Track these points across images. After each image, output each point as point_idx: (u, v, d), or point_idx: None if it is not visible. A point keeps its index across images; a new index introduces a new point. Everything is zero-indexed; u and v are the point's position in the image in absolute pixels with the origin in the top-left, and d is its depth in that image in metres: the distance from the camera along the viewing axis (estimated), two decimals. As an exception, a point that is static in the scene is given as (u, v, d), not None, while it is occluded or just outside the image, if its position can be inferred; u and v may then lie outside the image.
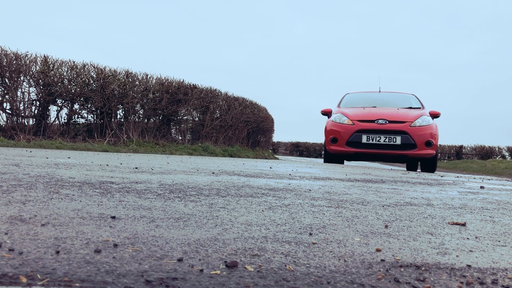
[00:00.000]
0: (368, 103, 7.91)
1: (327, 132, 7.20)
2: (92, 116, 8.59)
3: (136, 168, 2.93)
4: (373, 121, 6.76)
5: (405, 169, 8.98)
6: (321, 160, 17.26)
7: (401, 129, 6.60)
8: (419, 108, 7.62)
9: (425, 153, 6.61)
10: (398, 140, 6.58)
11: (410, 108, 7.50)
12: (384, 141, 6.62)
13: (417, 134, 6.58)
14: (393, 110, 7.18)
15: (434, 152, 6.68)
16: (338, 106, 8.05)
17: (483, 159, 22.85)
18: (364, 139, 6.70)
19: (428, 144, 6.60)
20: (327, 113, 8.09)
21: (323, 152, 10.32)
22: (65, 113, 8.25)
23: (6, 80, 7.32)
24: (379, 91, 8.70)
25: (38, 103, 7.72)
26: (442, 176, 4.90)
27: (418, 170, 7.92)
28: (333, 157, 7.45)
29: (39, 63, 7.62)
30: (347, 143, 6.80)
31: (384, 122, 6.70)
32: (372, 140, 6.65)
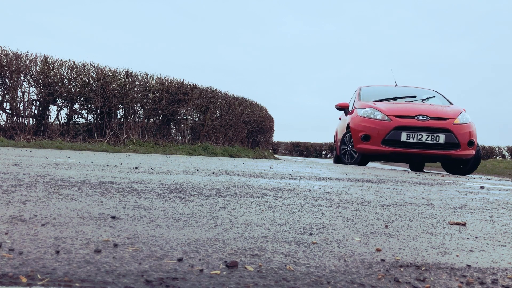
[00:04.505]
0: (390, 98, 7.17)
1: (356, 128, 6.36)
2: (92, 116, 8.59)
3: (136, 168, 2.93)
4: (412, 117, 6.03)
5: (404, 169, 8.96)
6: (321, 160, 17.08)
7: (445, 126, 5.97)
8: (449, 104, 7.00)
9: (467, 153, 6.06)
10: (442, 139, 5.93)
11: (442, 104, 6.88)
12: (426, 139, 5.92)
13: (460, 133, 5.98)
14: (428, 106, 6.49)
15: (474, 152, 6.17)
16: (359, 99, 7.23)
17: (483, 159, 22.86)
18: (403, 137, 5.94)
19: (471, 143, 6.04)
20: (343, 108, 7.40)
21: (334, 153, 9.33)
22: (65, 113, 8.26)
23: (6, 80, 7.32)
24: (395, 85, 8.03)
25: (38, 103, 7.72)
26: (442, 176, 4.90)
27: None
28: (364, 157, 6.57)
29: (39, 63, 7.63)
30: (383, 142, 6.03)
31: (425, 118, 6.00)
32: (413, 139, 5.92)
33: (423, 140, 5.92)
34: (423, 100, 7.25)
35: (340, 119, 8.35)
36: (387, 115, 6.13)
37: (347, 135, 6.78)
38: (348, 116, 7.13)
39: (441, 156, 6.05)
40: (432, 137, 5.93)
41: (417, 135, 5.92)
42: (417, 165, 8.81)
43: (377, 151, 6.11)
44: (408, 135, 5.94)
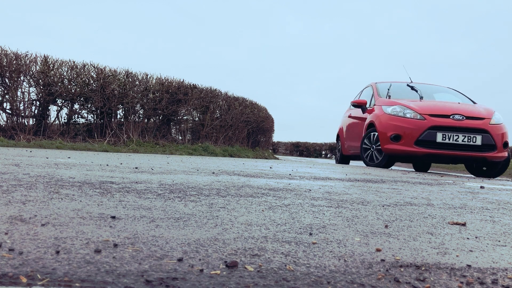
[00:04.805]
0: (414, 95, 6.79)
1: (384, 127, 5.95)
2: (92, 116, 8.59)
3: (136, 168, 2.93)
4: (448, 116, 5.64)
5: (405, 169, 8.93)
6: (322, 160, 16.98)
7: (481, 127, 5.63)
8: (473, 103, 6.68)
9: (502, 155, 5.75)
10: (479, 140, 5.59)
11: (468, 103, 6.55)
12: (462, 140, 5.56)
13: (496, 134, 5.67)
14: (461, 105, 6.13)
15: (507, 154, 5.89)
16: (378, 96, 6.79)
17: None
18: (439, 137, 5.56)
19: (505, 145, 5.76)
20: (361, 105, 6.95)
21: (337, 152, 8.82)
22: (65, 113, 8.26)
23: (6, 80, 7.32)
24: (410, 81, 7.58)
25: (38, 103, 7.72)
26: (442, 176, 4.90)
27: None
28: (391, 159, 6.06)
29: (39, 63, 7.63)
30: (416, 142, 5.62)
31: (461, 118, 5.63)
32: (449, 139, 5.55)
33: (460, 141, 5.57)
34: (418, 94, 6.86)
35: (350, 116, 7.87)
36: (419, 114, 5.71)
37: (370, 134, 6.33)
38: (368, 113, 6.71)
39: (476, 158, 5.69)
40: (469, 138, 5.58)
41: (453, 135, 5.56)
42: (422, 166, 8.41)
43: (409, 152, 5.68)
44: (444, 136, 5.56)
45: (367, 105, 6.98)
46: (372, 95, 7.03)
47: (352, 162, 10.89)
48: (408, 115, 5.79)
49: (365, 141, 6.45)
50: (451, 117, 5.64)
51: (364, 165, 6.81)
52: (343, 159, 8.42)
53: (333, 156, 30.26)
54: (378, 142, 6.13)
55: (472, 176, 6.50)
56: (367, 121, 6.61)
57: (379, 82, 7.45)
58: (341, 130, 8.49)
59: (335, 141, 9.21)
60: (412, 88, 7.11)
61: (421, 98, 6.68)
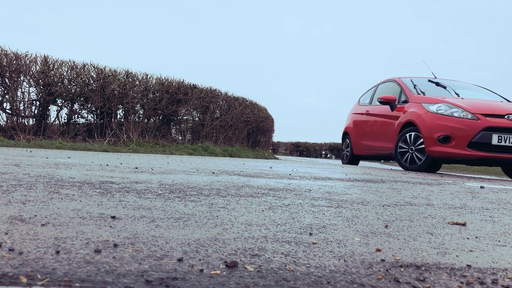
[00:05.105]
0: (445, 92, 6.33)
1: (430, 127, 5.46)
2: (92, 116, 8.59)
3: (136, 168, 2.93)
4: (502, 116, 5.17)
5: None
6: (322, 160, 16.94)
7: None
8: (508, 101, 6.40)
9: None
10: None
11: (504, 101, 6.24)
12: None
13: None
14: (507, 103, 5.79)
15: None
16: (411, 92, 6.27)
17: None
18: (495, 139, 5.10)
19: None
20: (390, 101, 6.43)
21: (344, 152, 8.34)
22: (65, 113, 8.26)
23: (6, 80, 7.32)
24: (434, 77, 7.08)
25: (38, 103, 7.72)
26: (442, 176, 4.90)
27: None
28: (435, 162, 5.64)
29: (39, 63, 7.63)
30: (469, 145, 5.16)
31: None
32: (505, 142, 5.11)
33: None
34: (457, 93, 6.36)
35: (367, 113, 7.34)
36: (471, 113, 5.23)
37: (410, 134, 5.85)
38: (399, 111, 6.24)
39: None
40: None
41: (509, 137, 5.11)
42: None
43: (461, 155, 5.22)
44: (500, 138, 5.09)
45: (396, 102, 6.48)
46: (401, 91, 6.53)
47: (362, 163, 10.32)
48: (455, 114, 5.32)
49: (402, 142, 5.98)
50: (505, 117, 5.18)
51: (401, 167, 6.23)
52: (353, 159, 7.95)
53: (333, 156, 30.22)
54: (419, 143, 5.70)
55: (473, 176, 6.49)
56: (401, 120, 6.12)
57: (403, 77, 6.89)
58: (349, 128, 7.97)
59: (341, 141, 8.64)
60: (439, 84, 6.65)
61: (458, 95, 6.27)
